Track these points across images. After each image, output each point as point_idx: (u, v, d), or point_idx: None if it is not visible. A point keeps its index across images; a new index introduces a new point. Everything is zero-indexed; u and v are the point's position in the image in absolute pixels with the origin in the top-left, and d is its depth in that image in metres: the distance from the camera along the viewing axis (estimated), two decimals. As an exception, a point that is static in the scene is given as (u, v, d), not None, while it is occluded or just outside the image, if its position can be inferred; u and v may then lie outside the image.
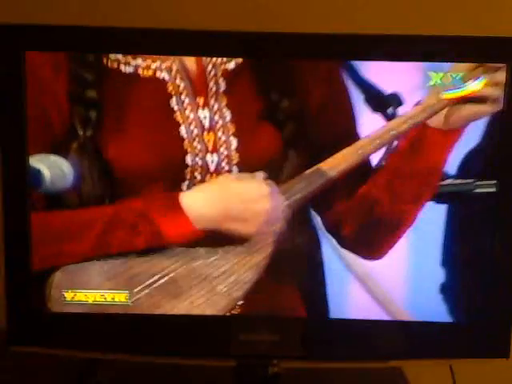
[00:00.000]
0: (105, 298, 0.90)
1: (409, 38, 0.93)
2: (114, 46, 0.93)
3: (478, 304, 0.87)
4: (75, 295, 0.91)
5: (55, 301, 0.88)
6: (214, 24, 0.90)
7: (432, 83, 0.90)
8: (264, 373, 1.08)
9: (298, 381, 1.19)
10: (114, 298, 0.89)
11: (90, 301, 0.91)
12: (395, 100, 0.78)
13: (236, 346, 1.03)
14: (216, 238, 0.81)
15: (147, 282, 0.83)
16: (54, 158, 0.79)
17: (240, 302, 0.82)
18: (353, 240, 0.83)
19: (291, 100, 0.79)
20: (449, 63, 0.89)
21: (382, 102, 0.78)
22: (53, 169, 0.78)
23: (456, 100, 0.81)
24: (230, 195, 0.80)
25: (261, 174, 0.81)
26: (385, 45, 0.92)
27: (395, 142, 0.83)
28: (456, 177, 0.82)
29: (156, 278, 0.82)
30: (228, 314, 0.86)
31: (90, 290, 0.89)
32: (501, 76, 0.83)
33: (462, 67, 0.87)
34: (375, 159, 0.83)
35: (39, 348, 1.13)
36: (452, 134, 0.80)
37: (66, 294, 0.89)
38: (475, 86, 0.95)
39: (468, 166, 0.81)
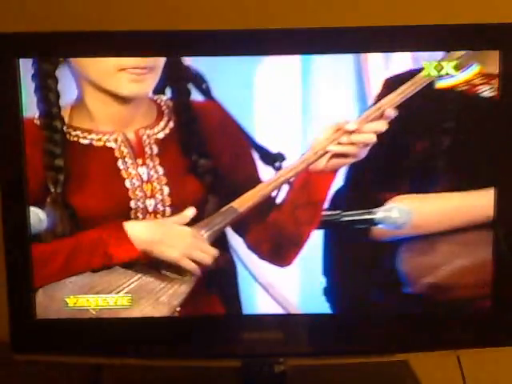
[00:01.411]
0: (107, 303, 1.07)
1: (400, 28, 0.98)
2: (107, 50, 0.98)
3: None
4: (77, 301, 1.08)
5: (57, 308, 1.08)
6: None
7: (425, 73, 1.00)
8: (270, 371, 1.11)
9: (304, 378, 1.20)
10: (117, 301, 1.08)
11: (93, 306, 1.07)
12: (280, 157, 1.06)
13: (241, 346, 1.08)
14: (155, 261, 1.08)
15: (109, 295, 1.10)
16: (33, 209, 1.05)
17: (178, 309, 1.08)
18: (268, 254, 1.10)
19: (207, 159, 1.06)
20: (441, 52, 0.97)
21: (270, 158, 1.06)
22: (32, 216, 1.04)
23: (332, 152, 1.09)
24: (164, 227, 1.07)
25: (191, 210, 1.08)
26: (378, 36, 0.98)
27: (292, 181, 1.08)
28: (330, 208, 1.10)
29: (113, 293, 1.09)
30: (230, 313, 1.08)
31: (93, 295, 1.07)
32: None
33: (455, 55, 0.98)
34: (282, 194, 1.09)
35: (43, 355, 1.19)
36: (328, 176, 1.08)
37: (68, 300, 1.08)
38: (468, 75, 1.01)
39: (338, 200, 1.10)
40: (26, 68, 1.03)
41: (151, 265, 1.07)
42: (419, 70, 1.06)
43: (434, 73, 1.07)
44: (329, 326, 1.10)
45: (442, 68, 1.08)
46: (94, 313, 1.09)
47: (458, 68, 1.06)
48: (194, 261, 1.07)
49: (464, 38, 1.03)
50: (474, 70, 1.05)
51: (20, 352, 1.14)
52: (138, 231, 1.06)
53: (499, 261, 1.09)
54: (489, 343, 1.10)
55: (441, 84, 1.06)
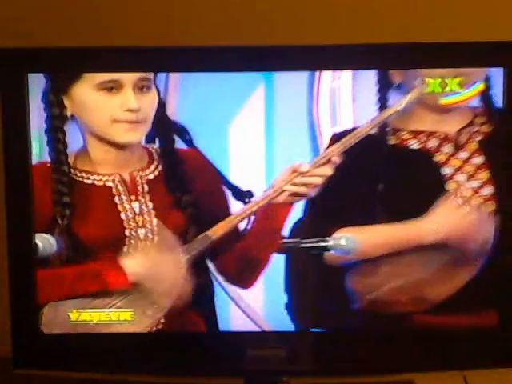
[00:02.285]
0: (110, 318, 1.24)
1: (405, 45, 1.06)
2: (116, 65, 1.14)
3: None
4: (80, 315, 1.25)
5: (60, 322, 1.25)
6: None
7: (430, 89, 1.08)
8: None
9: None
10: (119, 316, 1.25)
11: (95, 320, 1.23)
12: (249, 194, 1.29)
13: (245, 362, 1.15)
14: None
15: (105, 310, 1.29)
16: (45, 235, 1.27)
17: (162, 321, 1.28)
18: (234, 277, 1.31)
19: (188, 196, 1.30)
20: (446, 69, 1.06)
21: (240, 194, 1.29)
22: (44, 242, 1.27)
23: (288, 191, 1.31)
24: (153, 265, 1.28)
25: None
26: (381, 53, 1.07)
27: (256, 213, 1.29)
28: (290, 237, 1.32)
29: (107, 308, 1.29)
30: (233, 331, 1.25)
31: (95, 310, 1.24)
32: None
33: (459, 72, 1.08)
34: (248, 224, 1.30)
35: (43, 370, 1.25)
36: (286, 207, 1.31)
37: (70, 315, 1.26)
38: (472, 92, 1.07)
39: (297, 230, 1.32)
40: (39, 124, 1.26)
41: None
42: (359, 126, 1.32)
43: (439, 89, 1.16)
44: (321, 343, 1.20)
45: (447, 85, 1.17)
46: (94, 327, 1.26)
47: (462, 85, 1.14)
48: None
49: (468, 56, 1.10)
50: (477, 87, 1.13)
51: (21, 367, 1.24)
52: (132, 268, 1.27)
53: (507, 282, 1.20)
54: (495, 363, 1.16)
55: (375, 136, 1.32)
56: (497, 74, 1.16)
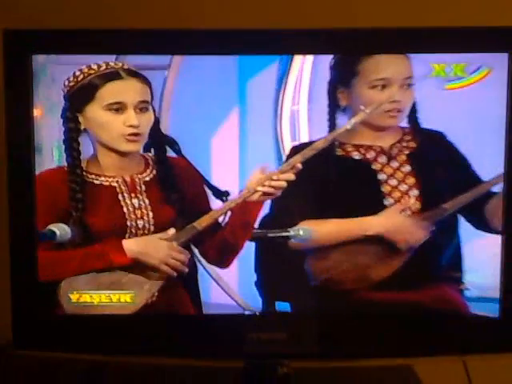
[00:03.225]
0: (110, 299, 1.40)
1: (411, 30, 1.06)
2: (121, 48, 1.23)
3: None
4: (80, 296, 1.43)
5: (60, 303, 1.45)
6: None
7: (434, 74, 1.07)
8: (273, 373, 1.13)
9: (308, 382, 1.19)
10: (120, 298, 1.43)
11: (96, 302, 1.38)
12: (226, 193, 1.56)
13: (245, 346, 1.17)
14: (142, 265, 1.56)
15: (106, 292, 1.54)
16: (61, 225, 1.50)
17: (156, 294, 1.55)
18: (214, 259, 1.58)
19: (177, 194, 1.57)
20: (451, 54, 1.06)
21: (219, 194, 1.58)
22: (60, 230, 1.50)
23: (259, 191, 1.61)
24: (148, 243, 1.56)
25: (172, 230, 1.56)
26: (387, 38, 1.07)
27: (233, 209, 1.53)
28: (260, 228, 1.61)
29: (113, 287, 1.55)
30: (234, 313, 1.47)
31: (95, 291, 1.44)
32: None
33: (464, 58, 1.11)
34: (226, 218, 1.56)
35: (44, 351, 1.29)
36: (257, 204, 1.58)
37: (71, 296, 1.44)
38: (476, 76, 1.06)
39: (265, 222, 1.61)
40: (59, 135, 1.52)
41: (139, 267, 1.56)
42: (315, 141, 1.62)
43: (444, 74, 1.19)
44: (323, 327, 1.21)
45: (452, 70, 1.20)
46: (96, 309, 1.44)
47: (466, 70, 1.17)
48: (169, 266, 1.56)
49: (473, 41, 1.11)
50: (482, 71, 1.16)
51: (21, 348, 1.32)
52: (130, 246, 1.55)
53: (509, 269, 1.28)
54: (496, 349, 1.18)
55: (327, 149, 1.60)
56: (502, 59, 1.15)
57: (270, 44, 1.39)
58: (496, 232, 1.52)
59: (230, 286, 1.58)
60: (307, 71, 1.56)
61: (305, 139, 1.58)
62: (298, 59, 1.54)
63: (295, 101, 1.59)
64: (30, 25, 1.22)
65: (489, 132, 1.43)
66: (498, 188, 1.49)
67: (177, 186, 1.56)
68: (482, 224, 1.55)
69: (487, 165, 1.46)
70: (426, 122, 1.54)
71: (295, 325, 1.18)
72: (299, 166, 1.53)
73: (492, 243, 1.48)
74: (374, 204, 1.58)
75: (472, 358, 1.11)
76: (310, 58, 1.53)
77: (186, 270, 1.54)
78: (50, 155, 1.53)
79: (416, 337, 1.18)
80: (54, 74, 1.50)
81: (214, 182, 1.56)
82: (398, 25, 1.09)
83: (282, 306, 1.56)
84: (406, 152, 1.59)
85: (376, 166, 1.59)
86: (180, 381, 1.35)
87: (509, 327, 1.13)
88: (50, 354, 1.38)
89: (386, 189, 1.58)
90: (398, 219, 1.57)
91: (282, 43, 1.36)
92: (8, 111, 1.35)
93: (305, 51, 1.46)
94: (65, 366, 1.42)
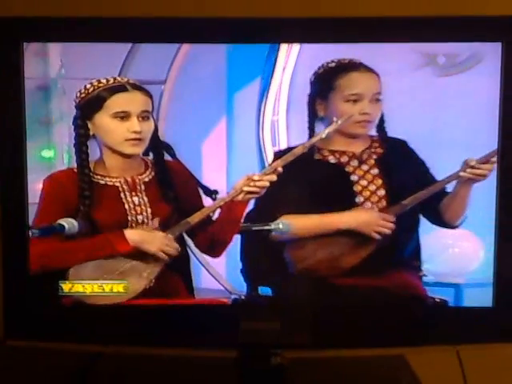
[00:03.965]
0: (103, 289, 1.54)
1: (404, 19, 1.05)
2: (112, 36, 1.27)
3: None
4: (73, 286, 1.62)
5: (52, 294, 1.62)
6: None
7: (427, 63, 1.13)
8: (266, 364, 1.11)
9: (301, 372, 1.15)
10: (112, 288, 1.59)
11: (88, 292, 1.51)
12: (215, 192, 1.76)
13: (239, 335, 1.18)
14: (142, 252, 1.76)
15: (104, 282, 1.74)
16: (70, 219, 1.69)
17: (153, 281, 1.75)
18: (206, 250, 1.78)
19: (173, 193, 1.77)
20: (444, 43, 1.07)
21: (209, 193, 1.77)
22: (69, 224, 1.68)
23: (245, 191, 1.83)
24: (147, 234, 1.76)
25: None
26: (381, 27, 1.06)
27: (222, 206, 1.72)
28: (245, 222, 1.81)
29: (116, 273, 1.75)
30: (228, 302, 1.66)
31: (88, 281, 1.63)
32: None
33: (457, 47, 1.19)
34: (216, 214, 1.75)
35: (36, 341, 1.35)
36: (243, 203, 1.78)
37: (63, 286, 1.59)
38: (469, 65, 1.09)
39: (249, 217, 1.82)
40: (69, 140, 1.73)
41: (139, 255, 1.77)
42: (294, 147, 1.83)
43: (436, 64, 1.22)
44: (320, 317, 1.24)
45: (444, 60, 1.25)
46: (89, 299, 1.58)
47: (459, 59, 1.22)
48: (165, 253, 1.78)
49: (465, 30, 1.09)
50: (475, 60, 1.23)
51: (13, 338, 1.36)
52: (132, 235, 1.76)
53: (503, 260, 1.32)
54: (489, 339, 1.18)
55: (306, 153, 1.81)
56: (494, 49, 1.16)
57: (258, 32, 1.45)
58: (449, 226, 1.77)
59: (219, 273, 1.80)
60: (285, 86, 1.79)
61: (284, 145, 1.80)
62: (277, 75, 1.78)
63: (275, 112, 1.79)
64: (21, 12, 1.23)
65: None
66: (450, 187, 1.73)
67: (172, 185, 1.75)
68: (437, 220, 1.79)
69: (441, 167, 1.70)
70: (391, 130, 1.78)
71: (286, 314, 1.23)
72: (280, 169, 1.73)
73: (445, 235, 1.72)
74: (346, 201, 1.78)
75: (465, 348, 1.11)
76: (288, 74, 1.77)
77: (179, 256, 1.74)
78: (60, 158, 1.74)
79: (408, 326, 1.20)
80: (65, 86, 1.73)
81: (205, 181, 1.75)
82: (389, 14, 1.10)
83: (265, 291, 1.78)
84: (375, 157, 1.80)
85: (349, 169, 1.79)
86: (174, 371, 1.42)
87: (502, 316, 1.16)
88: (43, 345, 1.43)
89: (357, 188, 1.78)
90: (366, 215, 1.80)
91: (269, 32, 1.42)
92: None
93: (291, 39, 1.57)
94: (58, 356, 1.47)
